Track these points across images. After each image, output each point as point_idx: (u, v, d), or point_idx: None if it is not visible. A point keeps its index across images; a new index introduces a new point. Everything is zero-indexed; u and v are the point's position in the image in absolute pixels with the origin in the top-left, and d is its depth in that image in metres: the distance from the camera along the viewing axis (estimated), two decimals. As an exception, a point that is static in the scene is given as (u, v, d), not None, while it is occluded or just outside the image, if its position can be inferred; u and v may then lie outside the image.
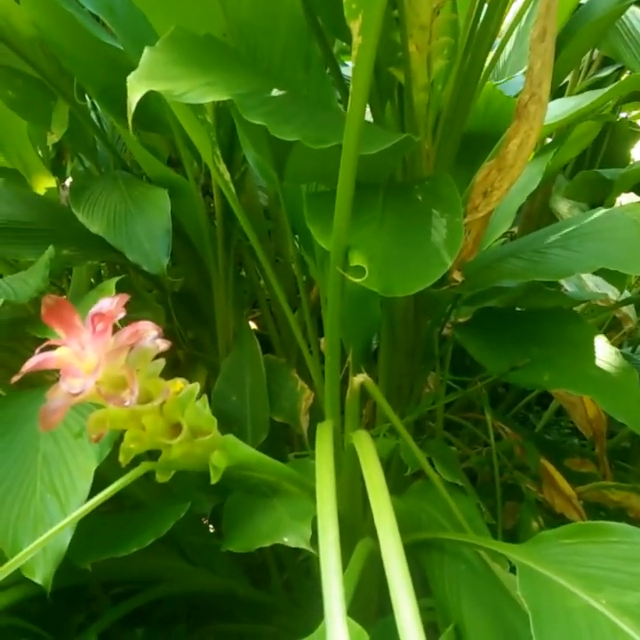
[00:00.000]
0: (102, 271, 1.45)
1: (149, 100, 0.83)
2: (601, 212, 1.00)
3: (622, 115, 1.95)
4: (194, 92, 0.55)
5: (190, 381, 0.56)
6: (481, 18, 0.82)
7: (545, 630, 0.50)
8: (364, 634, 0.42)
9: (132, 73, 0.53)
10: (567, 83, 1.71)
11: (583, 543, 0.59)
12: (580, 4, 1.11)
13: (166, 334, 0.53)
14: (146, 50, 0.56)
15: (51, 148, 1.36)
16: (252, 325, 1.38)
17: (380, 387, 1.01)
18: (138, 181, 1.14)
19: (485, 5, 0.81)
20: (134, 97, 0.51)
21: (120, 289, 0.82)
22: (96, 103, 1.21)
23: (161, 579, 0.94)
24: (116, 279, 0.85)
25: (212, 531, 1.09)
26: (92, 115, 1.26)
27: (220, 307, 1.18)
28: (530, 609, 0.51)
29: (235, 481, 0.88)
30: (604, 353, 0.89)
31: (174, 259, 1.12)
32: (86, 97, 1.18)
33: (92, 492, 0.65)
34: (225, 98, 0.56)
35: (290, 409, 1.05)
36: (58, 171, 1.42)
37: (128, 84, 0.52)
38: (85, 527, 0.64)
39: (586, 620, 0.50)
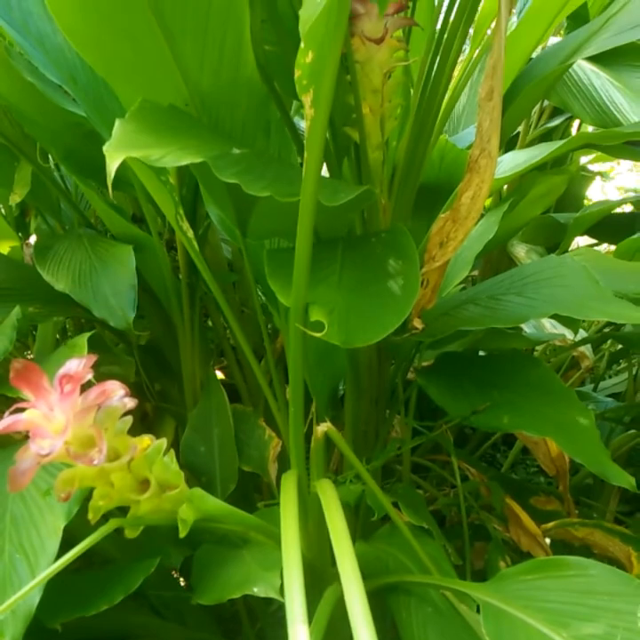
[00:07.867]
0: (67, 326, 1.45)
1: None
2: (554, 259, 1.04)
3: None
4: (169, 156, 0.58)
5: (158, 433, 0.58)
6: (432, 76, 0.86)
7: (508, 667, 0.52)
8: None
9: (108, 143, 0.55)
10: (519, 133, 1.79)
11: (543, 578, 0.61)
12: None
13: (133, 387, 0.54)
14: (117, 122, 0.58)
15: (14, 208, 1.37)
16: (219, 374, 1.39)
17: (346, 432, 1.02)
18: (102, 238, 1.15)
19: (435, 65, 0.85)
20: (113, 165, 0.53)
21: (90, 343, 0.83)
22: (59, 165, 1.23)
23: (132, 635, 0.93)
24: (87, 335, 0.86)
25: (182, 583, 1.08)
26: (56, 174, 1.27)
27: (186, 358, 1.19)
28: (493, 646, 0.53)
29: (204, 532, 0.89)
30: (562, 394, 0.92)
31: (140, 312, 1.13)
32: (50, 157, 1.20)
33: (62, 550, 0.65)
34: (199, 160, 0.59)
35: (258, 458, 1.06)
36: (22, 228, 1.43)
37: (105, 153, 0.54)
38: (54, 586, 0.64)
39: (548, 655, 0.52)
